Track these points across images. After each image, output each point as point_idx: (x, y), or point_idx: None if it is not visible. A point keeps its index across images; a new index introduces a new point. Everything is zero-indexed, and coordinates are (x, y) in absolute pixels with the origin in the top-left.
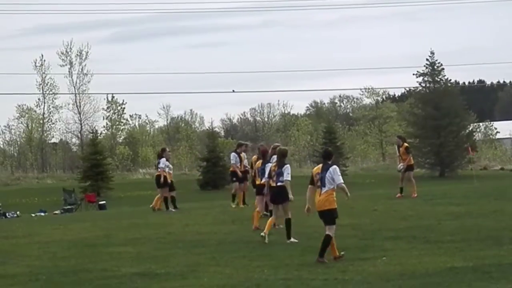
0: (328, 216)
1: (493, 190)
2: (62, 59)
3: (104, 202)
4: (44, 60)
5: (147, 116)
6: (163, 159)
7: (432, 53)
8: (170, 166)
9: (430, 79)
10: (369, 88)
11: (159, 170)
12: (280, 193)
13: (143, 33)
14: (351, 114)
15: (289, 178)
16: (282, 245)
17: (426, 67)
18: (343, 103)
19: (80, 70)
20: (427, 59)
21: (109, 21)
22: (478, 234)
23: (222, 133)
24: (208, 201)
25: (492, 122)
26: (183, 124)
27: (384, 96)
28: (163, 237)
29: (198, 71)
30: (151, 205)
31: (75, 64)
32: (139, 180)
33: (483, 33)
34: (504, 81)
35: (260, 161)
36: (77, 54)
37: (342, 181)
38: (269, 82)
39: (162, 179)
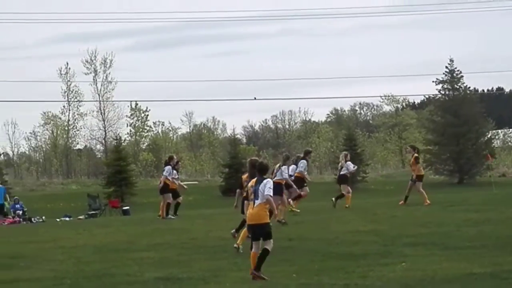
0: (260, 230)
1: (511, 196)
2: (87, 67)
3: (127, 207)
4: (69, 68)
5: (170, 123)
6: (168, 167)
7: (452, 60)
8: (175, 174)
9: (449, 87)
10: (389, 96)
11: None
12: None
13: (167, 41)
14: (371, 121)
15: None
16: (303, 251)
17: (446, 75)
18: (363, 111)
19: (104, 78)
20: (446, 67)
21: (133, 30)
22: (497, 240)
23: (244, 140)
24: (230, 207)
25: (510, 129)
26: (205, 131)
27: (404, 104)
28: (186, 243)
29: (220, 78)
30: (158, 215)
31: (99, 72)
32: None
33: (502, 41)
34: None
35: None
36: (102, 62)
37: (270, 194)
38: (290, 90)
39: (161, 185)
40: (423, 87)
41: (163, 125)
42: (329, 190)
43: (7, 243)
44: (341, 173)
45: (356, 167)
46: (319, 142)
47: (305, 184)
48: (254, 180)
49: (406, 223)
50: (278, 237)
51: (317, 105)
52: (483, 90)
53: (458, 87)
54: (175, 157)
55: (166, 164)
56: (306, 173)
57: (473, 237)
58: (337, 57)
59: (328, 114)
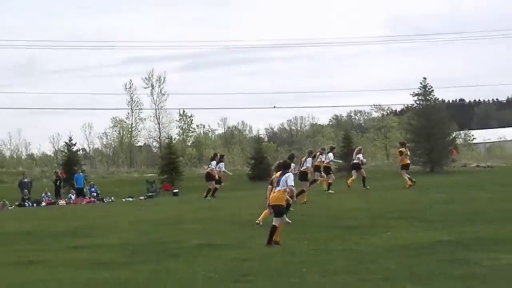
0: (276, 209)
1: (470, 182)
2: (146, 83)
3: (177, 190)
4: (132, 84)
5: (209, 125)
6: (214, 162)
7: (425, 78)
8: (221, 165)
9: (422, 98)
10: (376, 105)
11: (208, 168)
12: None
13: (208, 63)
14: (363, 125)
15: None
16: (312, 224)
17: (420, 89)
18: (357, 116)
19: (159, 91)
20: (420, 83)
21: (182, 54)
22: (461, 215)
23: (266, 139)
24: (255, 190)
25: (470, 131)
26: (236, 132)
27: (388, 111)
28: (223, 217)
29: (248, 91)
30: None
31: (155, 86)
32: (203, 175)
33: (465, 63)
34: (479, 100)
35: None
36: (157, 79)
37: (293, 184)
38: (301, 100)
39: (215, 176)
40: (403, 98)
41: (204, 127)
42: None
43: (86, 218)
44: (354, 161)
45: (366, 160)
46: (323, 140)
47: (331, 172)
48: (279, 173)
49: (392, 202)
50: (294, 213)
51: (322, 112)
52: (448, 101)
53: (429, 98)
54: (218, 154)
55: (212, 159)
56: (332, 163)
57: (443, 212)
58: (338, 75)
59: (330, 119)
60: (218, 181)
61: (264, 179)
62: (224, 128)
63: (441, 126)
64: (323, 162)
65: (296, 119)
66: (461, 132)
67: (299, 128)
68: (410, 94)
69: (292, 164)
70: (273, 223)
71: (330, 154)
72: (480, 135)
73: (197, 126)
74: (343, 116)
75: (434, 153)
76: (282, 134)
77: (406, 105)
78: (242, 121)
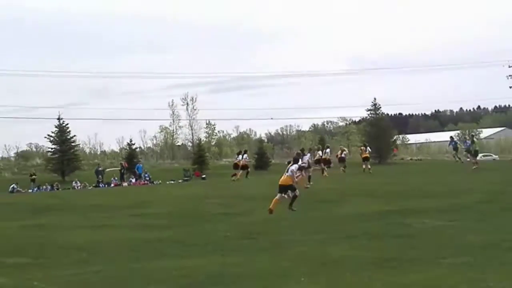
0: (286, 188)
1: (406, 170)
2: (183, 101)
3: (204, 176)
4: (174, 102)
5: (226, 131)
6: (240, 156)
7: (375, 98)
8: (245, 157)
9: (373, 112)
10: (342, 117)
11: (236, 160)
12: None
13: (226, 87)
14: (332, 131)
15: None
16: (299, 200)
17: (371, 106)
18: (329, 125)
19: (192, 107)
20: (372, 102)
21: (207, 81)
22: (398, 193)
23: (266, 140)
24: (259, 176)
25: (406, 135)
26: (245, 136)
27: (350, 121)
28: (234, 195)
29: (253, 107)
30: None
31: (189, 104)
32: (222, 165)
33: (403, 89)
34: (412, 113)
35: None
36: (191, 99)
37: (293, 173)
38: (290, 114)
39: (240, 164)
40: (360, 112)
41: (223, 132)
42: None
43: (142, 195)
44: (341, 156)
45: (348, 155)
46: (305, 142)
47: (331, 165)
48: (290, 163)
49: (352, 184)
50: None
51: (304, 122)
52: (391, 114)
53: (378, 113)
54: (242, 150)
55: (238, 153)
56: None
57: (387, 191)
58: (315, 96)
59: (310, 127)
60: (244, 167)
61: (265, 168)
62: (237, 133)
63: (386, 132)
64: (321, 156)
65: (287, 127)
66: (400, 136)
67: (288, 133)
68: (365, 110)
69: (306, 156)
70: (293, 194)
71: (328, 150)
72: (413, 138)
73: (218, 131)
74: (319, 125)
75: (381, 150)
76: (277, 137)
77: (362, 117)
78: (250, 128)
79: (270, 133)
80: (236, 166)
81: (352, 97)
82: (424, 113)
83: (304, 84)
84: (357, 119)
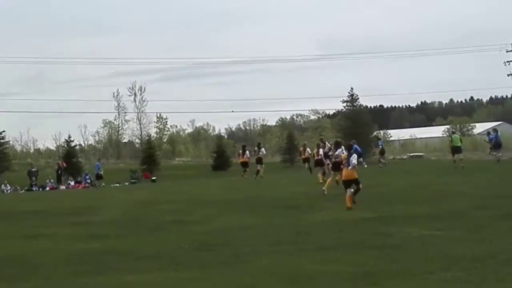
0: (351, 182)
1: (388, 171)
2: (129, 91)
3: (155, 178)
4: (119, 92)
5: (180, 126)
6: (263, 148)
7: (352, 88)
8: (263, 151)
9: (350, 104)
10: (314, 110)
11: (260, 154)
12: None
13: (180, 75)
14: (303, 125)
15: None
16: (263, 204)
17: (348, 97)
18: (298, 118)
19: (140, 98)
20: (348, 92)
21: (158, 68)
22: (379, 197)
23: (226, 136)
24: (217, 178)
25: (387, 130)
26: (202, 131)
27: (323, 114)
28: (189, 199)
29: (212, 99)
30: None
31: (137, 94)
32: (175, 166)
33: (384, 76)
34: (394, 106)
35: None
36: (139, 89)
37: (355, 163)
38: (254, 106)
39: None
40: (335, 104)
41: (176, 127)
42: (278, 167)
43: (82, 200)
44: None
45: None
46: (271, 138)
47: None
48: (345, 155)
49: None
50: (248, 196)
51: (270, 115)
52: (371, 106)
53: (355, 104)
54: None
55: (349, 148)
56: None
57: (366, 195)
58: (282, 86)
59: (277, 121)
60: (245, 164)
61: (224, 169)
62: (192, 128)
63: (365, 127)
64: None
65: (250, 121)
66: (381, 131)
67: (252, 128)
68: (340, 101)
69: (339, 149)
70: (357, 187)
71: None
72: (396, 134)
73: (171, 126)
74: (287, 118)
75: (360, 148)
76: (238, 133)
77: (337, 110)
78: (207, 123)
79: (230, 128)
80: (259, 160)
81: (325, 87)
82: (409, 105)
83: (270, 72)
84: (331, 112)
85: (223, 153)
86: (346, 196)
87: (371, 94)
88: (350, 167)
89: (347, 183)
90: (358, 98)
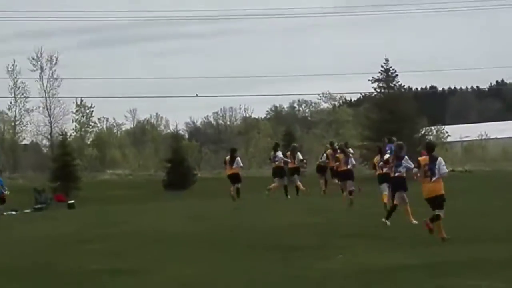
0: (439, 201)
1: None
2: (33, 64)
3: (73, 201)
4: (16, 65)
5: (114, 119)
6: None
7: (387, 60)
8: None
9: (384, 85)
10: (326, 93)
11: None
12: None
13: (111, 39)
14: (309, 118)
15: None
16: (248, 246)
17: (381, 73)
18: (302, 108)
19: (50, 75)
20: (382, 66)
21: (78, 28)
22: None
23: (186, 136)
24: (172, 201)
25: (443, 126)
26: (149, 127)
27: (340, 101)
28: (127, 236)
29: (163, 76)
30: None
31: (45, 69)
32: (106, 181)
33: (436, 42)
34: (454, 87)
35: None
36: (47, 60)
37: (446, 171)
38: (231, 87)
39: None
40: (360, 86)
41: (108, 121)
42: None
43: None
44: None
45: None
46: (259, 137)
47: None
48: (424, 158)
49: (344, 214)
50: (223, 229)
51: (257, 102)
52: (417, 89)
53: (393, 85)
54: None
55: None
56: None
57: (408, 228)
58: (277, 55)
59: (267, 111)
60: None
61: (184, 187)
62: (133, 123)
63: (407, 121)
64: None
65: (225, 111)
66: (433, 128)
67: (228, 123)
68: (369, 80)
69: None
70: (437, 212)
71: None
72: (456, 132)
73: (99, 119)
74: (284, 108)
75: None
76: (206, 130)
77: (363, 94)
78: (156, 114)
79: (194, 123)
80: (278, 171)
81: (344, 58)
82: (477, 87)
83: (257, 34)
84: (353, 98)
85: (182, 162)
86: (437, 223)
87: (418, 69)
88: (436, 177)
89: (434, 202)
90: (396, 76)
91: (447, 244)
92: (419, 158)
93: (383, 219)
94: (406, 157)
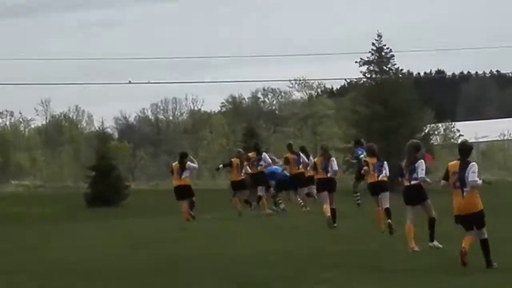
0: (478, 218)
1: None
2: None
3: None
4: None
5: (21, 113)
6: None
7: (379, 36)
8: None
9: (376, 69)
10: (300, 80)
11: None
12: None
13: (15, 10)
14: (277, 112)
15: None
16: (198, 273)
17: (372, 54)
18: (268, 98)
19: None
20: (373, 44)
21: None
22: (435, 259)
23: (116, 135)
24: (97, 221)
25: (453, 123)
26: (66, 124)
27: (319, 90)
28: (36, 268)
29: (85, 57)
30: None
31: None
32: (10, 195)
33: (444, 11)
34: (468, 72)
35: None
36: None
37: (475, 179)
38: (175, 70)
39: None
40: (344, 70)
41: (13, 116)
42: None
43: None
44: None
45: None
46: (211, 137)
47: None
48: (454, 164)
49: (328, 238)
50: (165, 259)
51: (209, 91)
52: (419, 74)
53: (387, 69)
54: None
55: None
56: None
57: (409, 256)
58: (235, 31)
59: (223, 103)
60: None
61: (111, 202)
62: (46, 118)
63: (407, 116)
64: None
65: (167, 103)
66: (440, 125)
67: (170, 118)
68: (356, 62)
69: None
70: (482, 237)
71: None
72: (470, 130)
73: (1, 113)
74: (244, 98)
75: (394, 159)
76: (142, 128)
77: (348, 80)
78: (76, 106)
79: (125, 118)
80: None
81: (323, 33)
82: (498, 71)
83: (205, 2)
84: (336, 85)
85: (110, 170)
86: (466, 244)
87: (418, 48)
88: (468, 188)
89: (467, 221)
90: (392, 56)
91: (459, 273)
92: (449, 163)
93: (430, 243)
94: (422, 161)
